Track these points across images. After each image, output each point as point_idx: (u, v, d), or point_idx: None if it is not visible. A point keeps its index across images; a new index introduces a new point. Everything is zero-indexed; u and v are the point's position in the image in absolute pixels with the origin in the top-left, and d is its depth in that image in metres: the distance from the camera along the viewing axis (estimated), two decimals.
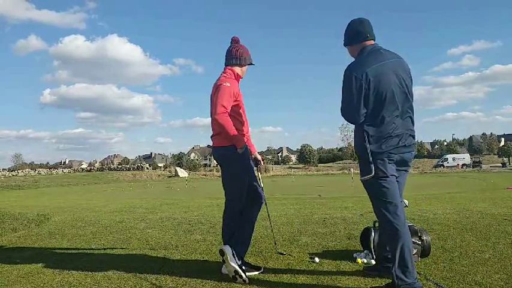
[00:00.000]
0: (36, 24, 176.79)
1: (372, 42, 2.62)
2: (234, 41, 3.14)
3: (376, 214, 2.59)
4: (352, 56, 2.70)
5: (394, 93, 2.46)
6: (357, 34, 2.63)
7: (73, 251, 3.98)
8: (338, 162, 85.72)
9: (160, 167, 69.82)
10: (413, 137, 2.59)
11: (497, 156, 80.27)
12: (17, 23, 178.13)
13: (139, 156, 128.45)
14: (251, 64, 3.19)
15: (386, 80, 2.45)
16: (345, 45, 2.74)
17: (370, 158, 2.44)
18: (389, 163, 2.47)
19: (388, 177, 2.46)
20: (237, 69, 3.08)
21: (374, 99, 2.44)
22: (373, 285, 2.59)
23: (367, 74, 2.42)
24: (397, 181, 2.56)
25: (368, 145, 2.45)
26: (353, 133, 2.74)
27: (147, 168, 62.17)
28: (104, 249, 4.01)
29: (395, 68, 2.52)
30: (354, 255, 3.24)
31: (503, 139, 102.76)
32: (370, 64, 2.46)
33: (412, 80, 2.65)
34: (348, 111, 2.51)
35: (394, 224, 2.44)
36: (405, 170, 2.62)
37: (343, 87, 2.51)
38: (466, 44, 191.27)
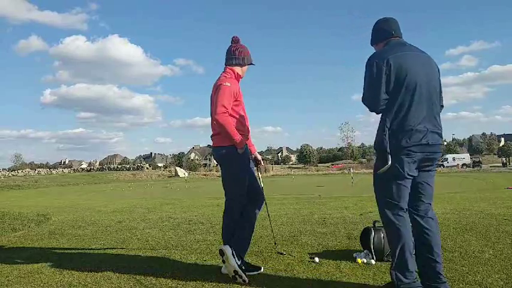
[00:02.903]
0: (37, 25, 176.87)
1: (398, 38, 2.56)
2: (234, 40, 3.14)
3: (380, 213, 2.50)
4: None
5: (417, 85, 2.35)
6: (381, 31, 2.60)
7: (73, 251, 3.97)
8: (338, 162, 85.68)
9: (160, 167, 69.85)
10: (440, 135, 2.43)
11: (497, 156, 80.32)
12: (18, 23, 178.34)
13: (139, 156, 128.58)
14: (251, 64, 3.19)
15: (409, 70, 2.35)
16: (372, 44, 2.70)
17: (388, 149, 2.31)
18: (408, 162, 2.32)
19: (404, 178, 2.35)
20: (238, 69, 3.08)
21: (395, 87, 2.34)
22: (373, 285, 2.59)
23: (388, 60, 2.34)
24: (420, 182, 2.43)
25: (387, 137, 2.33)
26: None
27: (147, 168, 62.24)
28: (104, 249, 4.00)
29: (421, 60, 2.43)
30: (354, 255, 3.24)
31: (503, 139, 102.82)
32: (392, 52, 2.39)
33: (441, 82, 2.55)
34: (369, 97, 2.41)
35: (396, 224, 2.37)
36: (429, 170, 2.46)
37: (364, 75, 2.44)
38: (464, 45, 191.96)
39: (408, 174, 2.34)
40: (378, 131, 2.45)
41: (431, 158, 2.40)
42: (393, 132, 2.33)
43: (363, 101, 2.47)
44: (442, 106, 2.58)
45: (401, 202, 2.40)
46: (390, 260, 3.06)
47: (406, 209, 2.43)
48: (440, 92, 2.54)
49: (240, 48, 3.10)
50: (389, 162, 2.31)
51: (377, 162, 2.46)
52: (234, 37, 3.14)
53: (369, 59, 2.45)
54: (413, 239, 2.41)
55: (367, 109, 2.48)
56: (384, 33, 2.58)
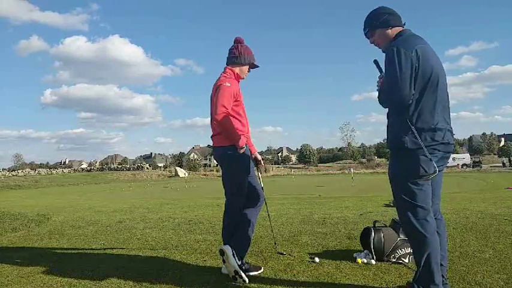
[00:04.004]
0: (38, 26, 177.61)
1: (407, 29, 2.39)
2: (236, 41, 3.13)
3: (400, 216, 2.35)
4: (380, 43, 2.43)
5: (438, 79, 2.22)
6: (398, 17, 2.39)
7: (73, 251, 3.97)
8: (338, 162, 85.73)
9: (160, 167, 69.87)
10: (452, 133, 2.31)
11: (497, 156, 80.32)
12: (19, 24, 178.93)
13: (139, 156, 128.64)
14: (253, 65, 3.17)
15: (432, 63, 2.20)
16: (379, 27, 2.41)
17: (427, 153, 2.14)
18: (431, 161, 2.19)
19: (428, 178, 2.23)
20: (237, 69, 3.08)
21: (421, 82, 2.17)
22: (373, 285, 2.57)
23: (417, 50, 2.15)
24: (432, 182, 2.32)
25: (417, 135, 2.16)
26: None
27: (147, 168, 62.24)
28: (104, 249, 4.00)
29: (436, 55, 2.31)
30: (354, 255, 3.23)
31: (503, 139, 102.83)
32: (417, 43, 2.21)
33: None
34: (397, 90, 2.14)
35: (421, 230, 2.20)
36: (441, 170, 2.33)
37: (389, 64, 2.19)
38: (463, 45, 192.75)
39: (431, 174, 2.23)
40: (394, 127, 2.29)
41: (446, 157, 2.31)
42: (417, 130, 2.19)
43: (387, 96, 2.23)
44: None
45: (427, 205, 2.24)
46: (391, 260, 3.08)
47: (432, 213, 2.27)
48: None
49: (241, 48, 3.09)
50: (437, 171, 2.16)
51: (395, 162, 2.32)
52: (236, 37, 3.13)
53: (393, 47, 2.20)
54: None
55: (382, 107, 2.29)
56: (398, 20, 2.38)
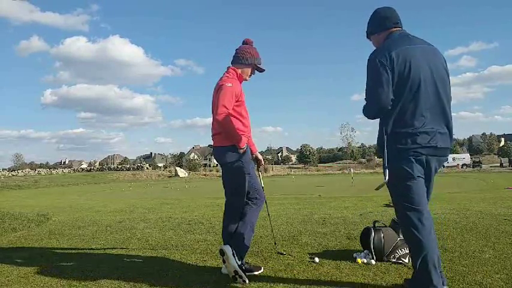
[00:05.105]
0: (39, 26, 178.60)
1: (400, 29, 2.40)
2: (244, 41, 3.13)
3: (398, 219, 2.38)
4: (378, 46, 2.45)
5: (424, 81, 2.18)
6: (385, 19, 2.39)
7: (73, 251, 3.97)
8: (338, 162, 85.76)
9: (160, 167, 69.82)
10: (448, 135, 2.28)
11: (497, 156, 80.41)
12: (20, 24, 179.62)
13: (139, 156, 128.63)
14: (259, 68, 3.15)
15: (415, 65, 2.18)
16: (370, 33, 2.49)
17: (386, 161, 2.17)
18: (416, 163, 2.19)
19: (414, 179, 2.20)
20: (240, 70, 3.07)
21: (398, 85, 2.17)
22: (374, 285, 2.57)
23: (391, 56, 2.17)
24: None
25: (386, 143, 2.19)
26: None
27: (147, 168, 62.20)
28: (104, 249, 4.00)
29: (427, 54, 2.27)
30: (354, 255, 3.23)
31: (503, 139, 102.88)
32: (396, 47, 2.21)
33: (448, 73, 2.37)
34: (373, 100, 2.20)
35: (416, 233, 2.19)
36: (433, 174, 2.34)
37: (367, 74, 2.26)
38: (463, 45, 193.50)
39: (418, 176, 2.21)
40: (378, 133, 2.33)
41: (436, 160, 2.27)
42: (397, 134, 2.19)
43: (367, 105, 2.26)
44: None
45: (421, 205, 2.22)
46: (391, 260, 3.08)
47: (428, 212, 2.25)
48: (448, 82, 2.36)
49: (246, 49, 3.08)
50: (386, 178, 2.18)
51: (384, 166, 2.31)
52: (245, 39, 3.14)
53: (371, 55, 2.27)
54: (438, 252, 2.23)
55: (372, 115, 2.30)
56: (389, 21, 2.39)
